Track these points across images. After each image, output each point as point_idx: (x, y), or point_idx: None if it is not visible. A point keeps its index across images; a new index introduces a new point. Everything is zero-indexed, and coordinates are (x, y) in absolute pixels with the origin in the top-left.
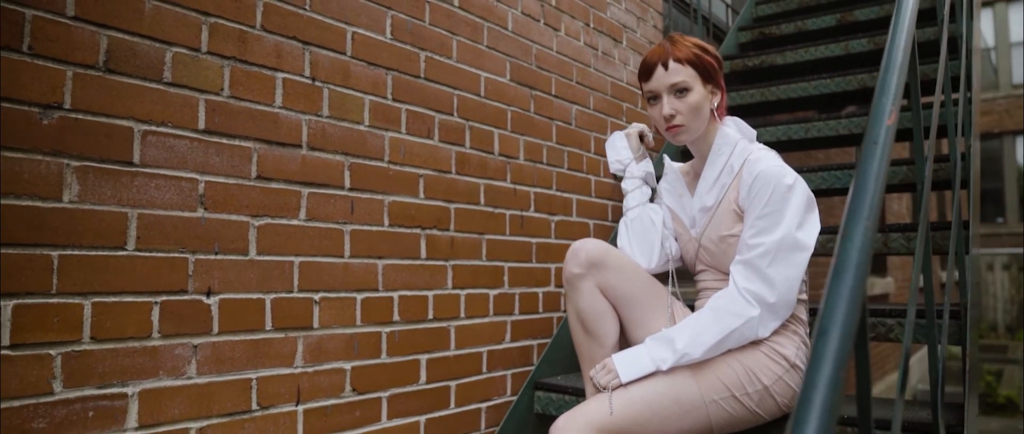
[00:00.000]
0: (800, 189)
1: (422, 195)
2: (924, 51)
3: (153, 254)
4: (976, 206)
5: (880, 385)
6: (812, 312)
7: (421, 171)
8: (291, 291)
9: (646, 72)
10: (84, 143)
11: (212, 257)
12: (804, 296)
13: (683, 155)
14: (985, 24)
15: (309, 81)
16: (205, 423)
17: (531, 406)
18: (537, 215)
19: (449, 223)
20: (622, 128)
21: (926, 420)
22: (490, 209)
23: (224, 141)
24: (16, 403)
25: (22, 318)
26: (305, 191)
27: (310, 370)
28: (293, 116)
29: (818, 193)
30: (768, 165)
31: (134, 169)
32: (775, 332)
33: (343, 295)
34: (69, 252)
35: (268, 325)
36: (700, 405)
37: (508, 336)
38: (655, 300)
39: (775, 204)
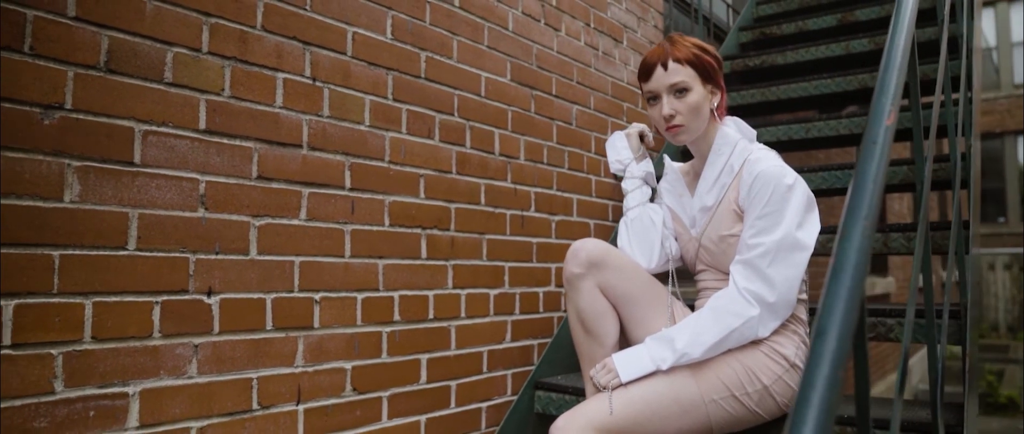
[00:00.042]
0: (800, 189)
1: (423, 195)
2: (925, 51)
3: (154, 254)
4: (976, 206)
5: (881, 385)
6: (812, 312)
7: (422, 171)
8: (292, 291)
9: (646, 72)
10: (85, 143)
11: (213, 257)
12: (804, 296)
13: (683, 155)
14: (986, 24)
15: (310, 81)
16: (206, 422)
17: (531, 406)
18: (538, 215)
19: (450, 223)
20: (623, 128)
21: (926, 420)
22: (491, 209)
23: (225, 141)
24: (17, 402)
25: (23, 318)
26: (306, 191)
27: (311, 370)
28: (294, 116)
29: (818, 193)
30: (768, 165)
31: (135, 169)
32: (775, 332)
33: (344, 295)
34: (70, 252)
35: (269, 325)
36: (700, 405)
37: (508, 336)
38: (655, 300)
39: (775, 204)
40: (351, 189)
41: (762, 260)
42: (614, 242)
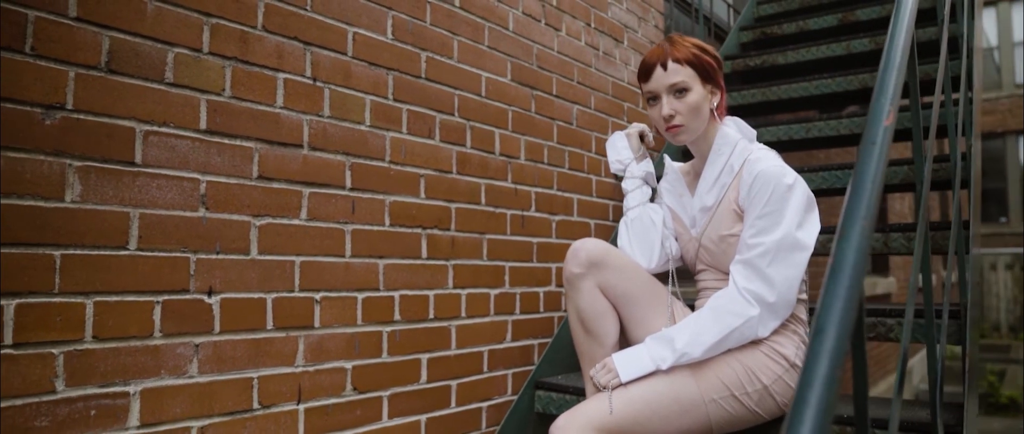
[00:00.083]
0: (800, 189)
1: (423, 195)
2: (927, 51)
3: (155, 254)
4: (977, 206)
5: (882, 385)
6: (812, 311)
7: (422, 171)
8: (292, 291)
9: (645, 73)
10: (86, 143)
11: (213, 257)
12: (804, 296)
13: (684, 155)
14: (988, 24)
15: (310, 81)
16: (206, 422)
17: (532, 405)
18: (538, 215)
19: (450, 223)
20: (623, 128)
21: (925, 419)
22: (491, 209)
23: (226, 141)
24: (19, 401)
25: (25, 317)
26: (306, 191)
27: (311, 369)
28: (294, 116)
29: (819, 193)
30: (768, 165)
31: (136, 169)
32: (775, 332)
33: (344, 294)
34: (71, 252)
35: (269, 324)
36: (699, 404)
37: (509, 335)
38: (655, 300)
39: (775, 204)
40: (352, 189)
41: (762, 260)
42: (614, 242)
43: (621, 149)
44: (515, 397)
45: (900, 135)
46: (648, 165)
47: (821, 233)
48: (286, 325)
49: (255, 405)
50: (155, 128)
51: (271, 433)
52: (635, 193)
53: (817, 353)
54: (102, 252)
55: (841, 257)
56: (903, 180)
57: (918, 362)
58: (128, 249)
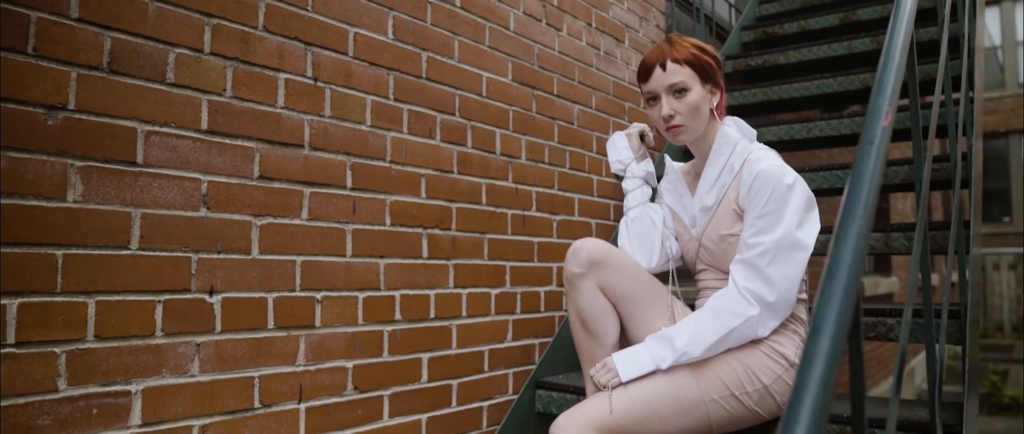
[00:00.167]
0: (800, 188)
1: (424, 195)
2: (928, 51)
3: (156, 253)
4: (978, 206)
5: (883, 384)
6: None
7: (423, 171)
8: (293, 290)
9: (645, 73)
10: (88, 143)
11: (215, 256)
12: (804, 295)
13: (684, 155)
14: (991, 23)
15: (311, 81)
16: (207, 421)
17: (532, 405)
18: (539, 214)
19: (451, 223)
20: (624, 128)
21: (924, 419)
22: (492, 209)
23: (227, 141)
24: (21, 400)
25: (27, 316)
26: (307, 191)
27: (312, 368)
28: (295, 116)
29: (820, 193)
30: (768, 164)
31: (137, 169)
32: (775, 331)
33: (345, 294)
34: (73, 251)
35: (270, 324)
36: (699, 404)
37: (510, 335)
38: (655, 299)
39: (775, 203)
40: (352, 189)
41: (762, 259)
42: (615, 242)
43: (621, 149)
44: (516, 396)
45: (901, 135)
46: (648, 165)
47: (821, 233)
48: (287, 324)
49: (256, 404)
50: (157, 128)
51: (272, 432)
52: (635, 193)
53: (813, 353)
54: (104, 252)
55: (838, 257)
56: (903, 180)
57: (921, 362)
58: (130, 249)
